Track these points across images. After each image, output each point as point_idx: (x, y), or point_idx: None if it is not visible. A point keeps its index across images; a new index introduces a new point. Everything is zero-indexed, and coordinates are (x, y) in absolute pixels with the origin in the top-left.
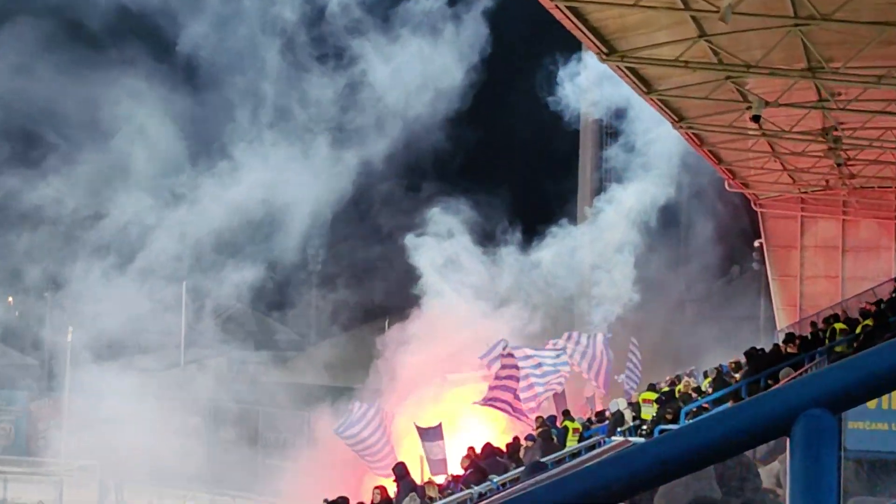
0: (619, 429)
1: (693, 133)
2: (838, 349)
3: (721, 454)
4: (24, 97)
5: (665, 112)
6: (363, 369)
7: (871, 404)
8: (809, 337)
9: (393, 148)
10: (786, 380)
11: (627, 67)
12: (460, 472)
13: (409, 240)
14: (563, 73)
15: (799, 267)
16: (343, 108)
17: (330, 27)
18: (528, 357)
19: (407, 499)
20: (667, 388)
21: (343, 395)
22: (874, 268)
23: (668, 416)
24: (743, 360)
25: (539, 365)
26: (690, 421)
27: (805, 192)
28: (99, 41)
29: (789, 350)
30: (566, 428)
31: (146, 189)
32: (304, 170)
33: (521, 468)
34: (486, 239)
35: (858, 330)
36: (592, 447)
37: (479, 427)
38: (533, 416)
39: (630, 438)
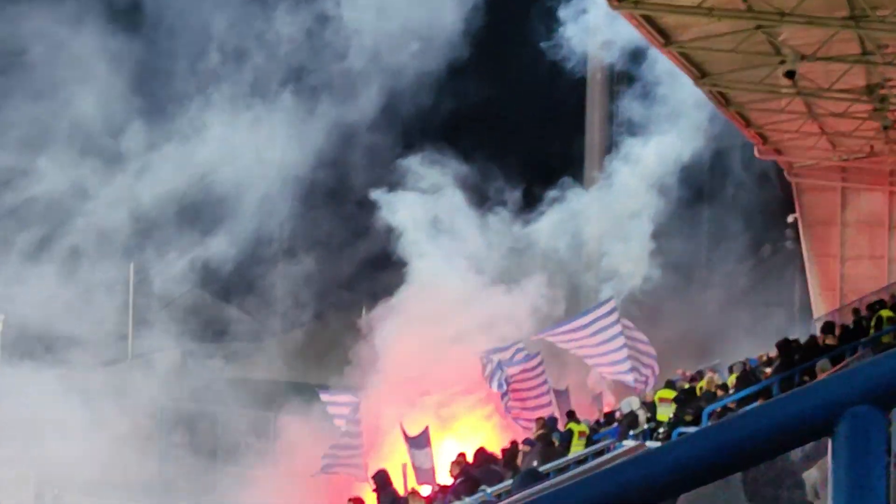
0: (631, 432)
1: (718, 92)
2: (885, 339)
3: (752, 458)
4: None
5: (686, 67)
6: (339, 362)
7: None
8: (851, 326)
9: (372, 102)
10: (823, 375)
11: (642, 15)
12: (449, 481)
13: (386, 197)
14: (565, 11)
15: (839, 246)
16: (315, 54)
17: None
18: (581, 327)
19: None
20: (687, 386)
21: (315, 393)
22: None
23: (689, 418)
24: (774, 352)
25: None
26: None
27: (846, 160)
28: None
29: (828, 341)
30: (570, 431)
31: (81, 150)
32: (271, 128)
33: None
34: (479, 204)
35: None
36: (601, 453)
37: (471, 430)
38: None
39: (645, 443)
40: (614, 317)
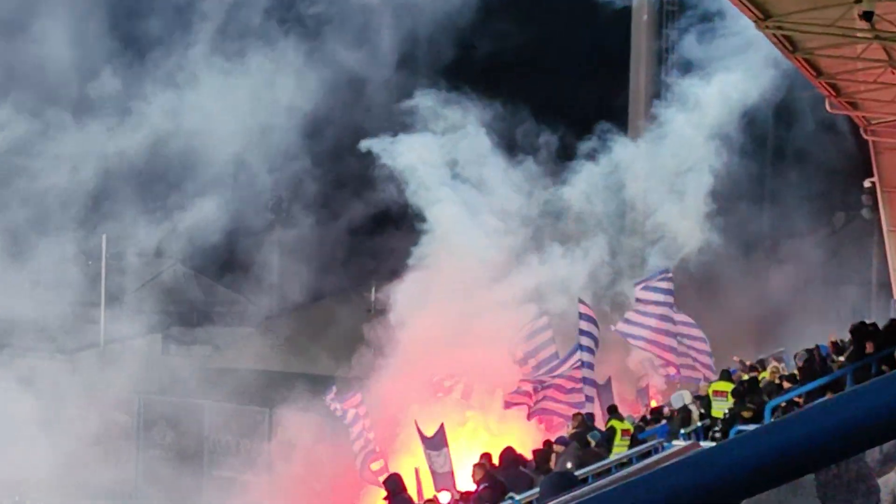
0: (682, 430)
1: (783, 35)
2: None
3: (820, 460)
4: None
5: (745, 6)
6: (346, 349)
7: None
8: None
9: (383, 46)
10: None
11: None
12: (472, 486)
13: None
14: None
15: None
16: None
17: None
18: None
19: None
20: (746, 377)
21: (318, 386)
22: None
23: (748, 414)
24: (847, 338)
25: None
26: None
27: None
28: None
29: None
30: (612, 429)
31: (44, 100)
32: (265, 78)
33: None
34: (508, 154)
35: None
36: (647, 454)
37: (501, 427)
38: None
39: (699, 443)
40: (670, 298)
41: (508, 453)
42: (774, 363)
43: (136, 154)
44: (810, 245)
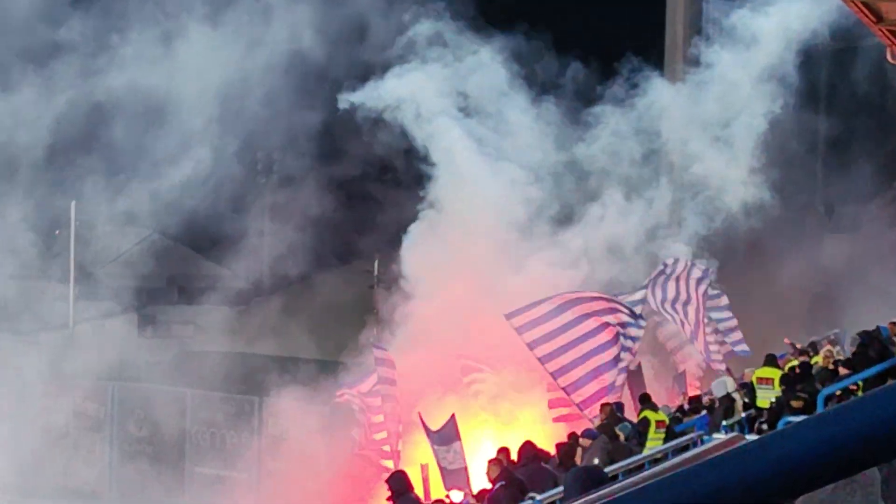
0: (724, 422)
1: None
2: None
3: (879, 453)
4: None
5: None
6: (351, 329)
7: None
8: None
9: None
10: None
11: None
12: (487, 485)
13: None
14: None
15: None
16: None
17: None
18: (612, 311)
19: None
20: (796, 362)
21: (320, 372)
22: None
23: (798, 404)
24: None
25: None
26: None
27: None
28: None
29: None
30: (646, 420)
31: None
32: (248, 19)
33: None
34: (527, 93)
35: None
36: (685, 448)
37: (517, 419)
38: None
39: (744, 435)
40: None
41: (528, 448)
42: (828, 347)
43: (107, 109)
44: (868, 215)
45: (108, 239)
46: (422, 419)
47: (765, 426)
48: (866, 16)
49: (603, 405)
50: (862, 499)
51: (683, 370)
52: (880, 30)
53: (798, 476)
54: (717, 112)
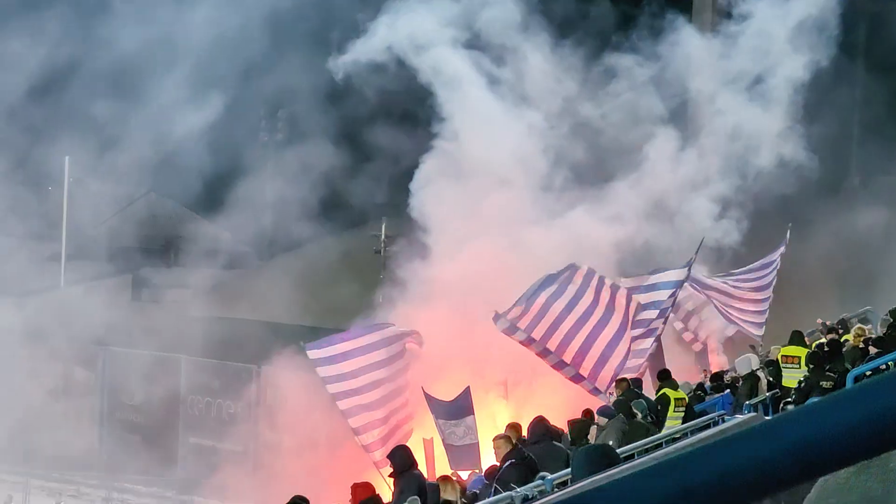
0: (747, 402)
1: None
2: None
3: None
4: None
5: None
6: (356, 297)
7: None
8: None
9: None
10: None
11: None
12: (495, 462)
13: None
14: None
15: None
16: None
17: None
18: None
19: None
20: (825, 339)
21: (316, 338)
22: None
23: (827, 384)
24: None
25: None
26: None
27: None
28: None
29: None
30: (665, 398)
31: None
32: None
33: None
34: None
35: None
36: (705, 427)
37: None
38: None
39: (767, 417)
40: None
41: (540, 424)
42: (859, 325)
43: (103, 61)
44: None
45: (103, 197)
46: (425, 392)
47: (791, 407)
48: None
49: (619, 380)
50: (879, 483)
51: (703, 347)
52: None
53: (817, 457)
54: (749, 65)
